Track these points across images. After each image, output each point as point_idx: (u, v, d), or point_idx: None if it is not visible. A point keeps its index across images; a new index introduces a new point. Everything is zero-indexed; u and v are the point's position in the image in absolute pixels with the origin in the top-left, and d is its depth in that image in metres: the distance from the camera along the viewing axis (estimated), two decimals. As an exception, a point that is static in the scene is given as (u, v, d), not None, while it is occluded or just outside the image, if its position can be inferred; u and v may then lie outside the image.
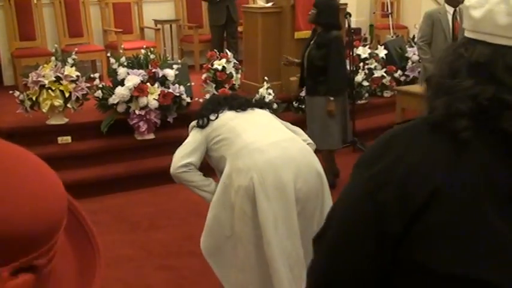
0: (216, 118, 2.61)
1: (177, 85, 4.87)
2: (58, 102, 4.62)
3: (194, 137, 2.65)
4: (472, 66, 0.92)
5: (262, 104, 2.80)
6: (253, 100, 2.82)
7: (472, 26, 0.95)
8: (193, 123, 2.72)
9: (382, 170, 0.93)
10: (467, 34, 0.96)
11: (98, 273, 0.67)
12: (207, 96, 5.28)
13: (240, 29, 7.22)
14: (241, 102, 2.71)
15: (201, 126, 2.63)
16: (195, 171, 2.61)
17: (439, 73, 0.97)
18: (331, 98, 4.38)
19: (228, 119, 2.61)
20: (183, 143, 2.70)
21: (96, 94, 4.79)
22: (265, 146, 2.42)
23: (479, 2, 0.92)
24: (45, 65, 4.66)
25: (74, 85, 4.66)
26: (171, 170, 2.63)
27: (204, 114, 2.67)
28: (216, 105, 2.68)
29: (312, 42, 4.51)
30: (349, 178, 1.00)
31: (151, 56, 4.91)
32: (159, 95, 4.72)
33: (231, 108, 2.66)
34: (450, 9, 4.93)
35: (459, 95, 0.90)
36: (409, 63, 6.69)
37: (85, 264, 0.68)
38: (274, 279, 2.31)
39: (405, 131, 1.00)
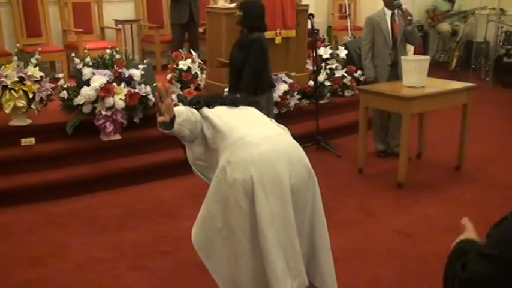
0: (211, 108, 2.60)
1: (143, 85, 4.85)
2: (21, 103, 4.53)
3: None
4: None
5: (250, 102, 2.81)
6: (242, 98, 2.82)
7: None
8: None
9: None
10: None
11: None
12: (174, 96, 5.28)
13: (200, 29, 7.25)
14: (233, 98, 2.74)
15: (195, 109, 2.57)
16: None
17: None
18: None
19: (221, 111, 2.60)
20: None
21: (61, 95, 4.72)
22: (259, 140, 2.45)
23: None
24: (7, 65, 4.56)
25: (37, 86, 4.58)
26: None
27: (199, 101, 2.62)
28: (209, 99, 2.67)
29: (238, 44, 4.53)
30: None
31: (117, 56, 4.87)
32: (125, 95, 4.69)
33: (222, 104, 2.67)
34: (388, 12, 5.14)
35: None
36: (368, 63, 6.86)
37: None
38: (269, 270, 2.34)
39: None
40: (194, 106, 2.59)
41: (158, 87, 2.33)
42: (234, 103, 2.70)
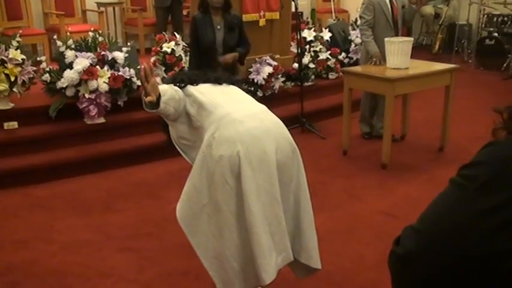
0: (195, 85, 2.62)
1: (127, 68, 4.81)
2: (3, 86, 4.48)
3: None
4: None
5: (233, 81, 2.83)
6: (226, 77, 2.82)
7: None
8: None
9: None
10: None
11: None
12: (158, 79, 5.25)
13: (184, 12, 7.19)
14: (217, 76, 2.75)
15: (179, 88, 2.59)
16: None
17: None
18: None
19: (205, 88, 2.62)
20: None
21: (43, 78, 4.67)
22: (244, 117, 2.46)
23: None
24: (-13, 48, 4.50)
25: (19, 69, 4.53)
26: None
27: (183, 79, 2.64)
28: (193, 76, 2.68)
29: (219, 26, 4.40)
30: None
31: (100, 39, 4.82)
32: (109, 78, 4.65)
33: (206, 81, 2.68)
34: None
35: None
36: (352, 45, 6.88)
37: None
38: (254, 244, 2.35)
39: None
40: (178, 84, 2.60)
41: (144, 67, 2.33)
42: (218, 81, 2.71)
